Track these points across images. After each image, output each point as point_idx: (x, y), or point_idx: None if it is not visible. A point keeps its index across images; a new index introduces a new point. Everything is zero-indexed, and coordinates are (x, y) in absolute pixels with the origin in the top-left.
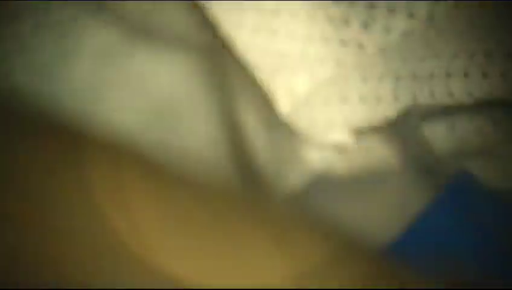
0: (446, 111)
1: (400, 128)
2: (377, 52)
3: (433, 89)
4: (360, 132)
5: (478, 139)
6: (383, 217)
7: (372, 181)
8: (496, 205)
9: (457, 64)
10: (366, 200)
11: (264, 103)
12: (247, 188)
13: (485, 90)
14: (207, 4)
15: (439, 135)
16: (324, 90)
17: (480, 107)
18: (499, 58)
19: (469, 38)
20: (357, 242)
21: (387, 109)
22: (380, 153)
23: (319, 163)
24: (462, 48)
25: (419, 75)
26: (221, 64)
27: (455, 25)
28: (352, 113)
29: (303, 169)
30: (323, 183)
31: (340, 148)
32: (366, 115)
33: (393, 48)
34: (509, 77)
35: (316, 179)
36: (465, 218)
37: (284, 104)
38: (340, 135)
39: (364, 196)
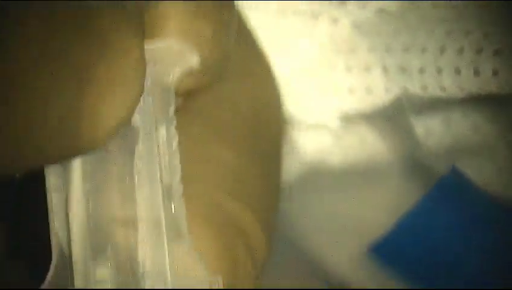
0: (439, 104)
1: (392, 117)
2: (350, 27)
3: (425, 83)
4: (351, 120)
5: (474, 136)
6: (375, 212)
7: (366, 173)
8: (487, 204)
9: (447, 59)
10: (359, 193)
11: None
12: None
13: (477, 86)
14: None
15: (433, 131)
16: (309, 76)
17: (474, 102)
18: (489, 54)
19: (454, 29)
20: None
21: (378, 99)
22: (374, 145)
23: (314, 153)
24: (448, 41)
25: (406, 66)
26: None
27: (439, 12)
28: (342, 102)
29: (298, 159)
30: (317, 174)
31: (334, 135)
32: (356, 104)
33: (368, 22)
34: (501, 73)
35: (310, 169)
36: (456, 216)
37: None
38: (333, 121)
39: (358, 188)
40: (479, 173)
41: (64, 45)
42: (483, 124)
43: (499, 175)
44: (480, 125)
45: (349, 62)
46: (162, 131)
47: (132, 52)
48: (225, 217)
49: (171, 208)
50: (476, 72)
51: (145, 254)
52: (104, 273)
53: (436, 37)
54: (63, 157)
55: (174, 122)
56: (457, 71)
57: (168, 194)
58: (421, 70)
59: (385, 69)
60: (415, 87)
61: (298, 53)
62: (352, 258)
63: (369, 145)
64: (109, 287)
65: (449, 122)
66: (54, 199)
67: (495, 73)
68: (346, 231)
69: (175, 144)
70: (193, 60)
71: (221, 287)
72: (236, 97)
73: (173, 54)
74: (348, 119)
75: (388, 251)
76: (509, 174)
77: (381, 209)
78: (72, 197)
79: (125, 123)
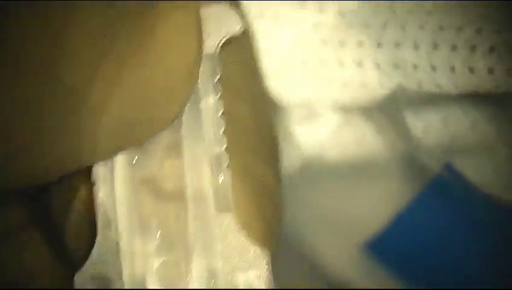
0: (436, 100)
1: (388, 112)
2: (337, 16)
3: (420, 80)
4: (348, 111)
5: (472, 135)
6: (371, 208)
7: (363, 170)
8: (482, 201)
9: (441, 56)
10: (356, 190)
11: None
12: None
13: (473, 84)
14: None
15: (431, 129)
16: (304, 66)
17: (472, 100)
18: (484, 52)
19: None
20: None
21: (373, 93)
22: (371, 142)
23: (311, 149)
24: (440, 36)
25: (399, 62)
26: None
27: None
28: (338, 93)
29: (296, 153)
30: (314, 169)
31: (331, 131)
32: (352, 96)
33: (354, 13)
34: (497, 71)
35: (307, 164)
36: (451, 214)
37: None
38: (329, 114)
39: (354, 184)
40: (477, 172)
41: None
42: (482, 122)
43: (497, 175)
44: (479, 124)
45: (341, 57)
46: (209, 100)
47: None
48: (256, 180)
49: (218, 179)
50: (471, 70)
51: (193, 227)
52: (150, 247)
53: (427, 32)
54: (148, 137)
55: (220, 91)
56: (452, 69)
57: (216, 164)
58: (415, 67)
59: (378, 65)
60: (410, 84)
61: (286, 43)
62: (348, 255)
63: (366, 142)
64: (155, 262)
65: (447, 121)
66: (99, 171)
67: (490, 71)
68: (342, 227)
69: (220, 113)
70: (236, 27)
71: (269, 261)
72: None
73: (220, 20)
74: (344, 111)
75: (383, 248)
76: (508, 174)
77: (377, 206)
78: (118, 169)
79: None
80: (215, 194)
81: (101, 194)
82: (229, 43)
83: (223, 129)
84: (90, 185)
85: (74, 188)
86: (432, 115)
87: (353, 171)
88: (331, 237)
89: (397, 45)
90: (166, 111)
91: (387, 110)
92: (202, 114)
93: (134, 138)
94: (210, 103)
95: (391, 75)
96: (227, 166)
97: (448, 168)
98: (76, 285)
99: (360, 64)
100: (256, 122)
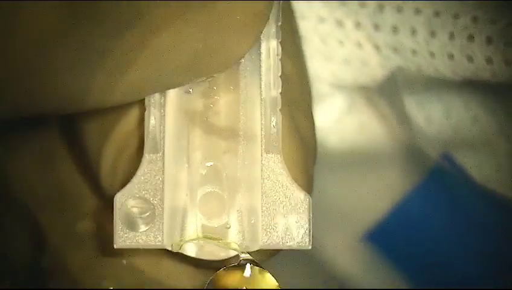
0: (436, 89)
1: (387, 93)
2: None
3: (419, 64)
4: (350, 95)
5: (474, 128)
6: (371, 197)
7: (363, 158)
8: (481, 195)
9: (439, 44)
10: (356, 178)
11: None
12: None
13: (471, 72)
14: None
15: (433, 119)
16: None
17: (474, 91)
18: (482, 42)
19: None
20: None
21: (373, 73)
22: (373, 128)
23: None
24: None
25: (398, 46)
26: None
27: None
28: (339, 70)
29: None
30: (317, 156)
31: (333, 118)
32: (352, 75)
33: None
34: (495, 61)
35: None
36: (448, 205)
37: None
38: (328, 90)
39: (355, 172)
40: (477, 167)
41: None
42: (483, 116)
43: (497, 170)
44: (480, 118)
45: (339, 36)
46: (271, 43)
47: None
48: (300, 131)
49: (271, 121)
50: (470, 59)
51: (241, 163)
52: (196, 177)
53: (424, 17)
54: (217, 70)
55: (280, 35)
56: (450, 56)
57: (271, 107)
58: (414, 52)
59: (377, 47)
60: (409, 67)
61: None
62: (347, 245)
63: (368, 129)
64: (199, 191)
65: (449, 113)
66: (153, 97)
67: (489, 61)
68: (341, 217)
69: (279, 57)
70: None
71: (310, 203)
72: None
73: None
74: (345, 93)
75: (382, 238)
76: (508, 170)
77: (377, 196)
78: (171, 97)
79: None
80: (266, 135)
81: (152, 120)
82: None
83: (280, 73)
84: (134, 114)
85: (113, 122)
86: (434, 105)
87: (353, 159)
88: (330, 228)
89: (395, 29)
90: (237, 45)
91: (388, 93)
92: (262, 56)
93: (202, 69)
94: (271, 46)
95: (390, 57)
96: (280, 110)
97: (448, 159)
98: (117, 203)
99: (359, 45)
100: (298, 77)
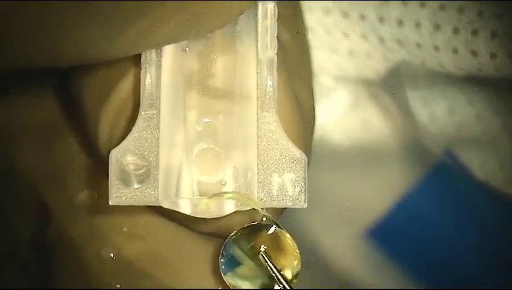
0: (440, 85)
1: (391, 87)
2: None
3: (423, 58)
4: (354, 89)
5: (477, 125)
6: (373, 194)
7: (366, 153)
8: (483, 193)
9: (443, 38)
10: (359, 175)
11: None
12: None
13: (475, 67)
14: None
15: (437, 116)
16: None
17: (477, 88)
18: (486, 37)
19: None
20: None
21: (377, 65)
22: (377, 124)
23: (317, 130)
24: (442, 17)
25: (402, 39)
26: None
27: None
28: (343, 62)
29: None
30: (317, 152)
31: (337, 114)
32: (357, 67)
33: None
34: (500, 56)
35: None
36: (450, 202)
37: None
38: (332, 84)
39: (357, 169)
40: (481, 164)
41: None
42: (487, 114)
43: (500, 168)
44: (484, 116)
45: (344, 28)
46: (268, 5)
47: None
48: (297, 96)
49: (267, 82)
50: (474, 53)
51: (237, 121)
52: (191, 134)
53: (428, 11)
54: (211, 29)
55: None
56: (455, 51)
57: (268, 68)
58: (418, 46)
59: (381, 40)
60: (413, 60)
61: None
62: (349, 241)
63: (372, 126)
64: (195, 148)
65: (453, 110)
66: (149, 55)
67: (493, 56)
68: (343, 214)
69: (275, 18)
70: None
71: (306, 163)
72: None
73: None
74: (350, 87)
75: (385, 235)
76: (511, 167)
77: (379, 192)
78: (167, 56)
79: None
80: (261, 94)
81: (148, 78)
82: None
83: (276, 34)
84: (131, 77)
85: (113, 80)
86: (438, 102)
87: (356, 155)
88: (332, 224)
89: (400, 22)
90: (234, 5)
91: (392, 87)
92: (259, 16)
93: (201, 26)
94: (268, 7)
95: (395, 50)
96: (276, 71)
97: (451, 156)
98: (112, 159)
99: (364, 36)
100: (296, 48)
